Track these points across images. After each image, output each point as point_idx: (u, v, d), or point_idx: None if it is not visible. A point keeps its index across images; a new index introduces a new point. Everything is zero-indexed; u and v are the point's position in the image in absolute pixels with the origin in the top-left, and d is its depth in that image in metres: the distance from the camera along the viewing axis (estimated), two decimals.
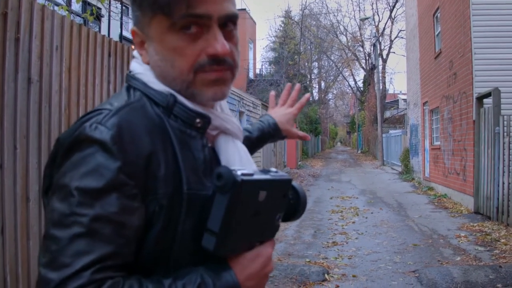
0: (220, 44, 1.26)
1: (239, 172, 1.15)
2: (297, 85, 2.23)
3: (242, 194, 1.16)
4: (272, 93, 2.34)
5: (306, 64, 48.03)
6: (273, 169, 1.30)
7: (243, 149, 1.45)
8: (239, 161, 1.38)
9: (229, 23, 1.31)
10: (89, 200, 1.09)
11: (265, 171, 1.27)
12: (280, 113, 2.17)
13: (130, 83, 1.35)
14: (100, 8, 12.30)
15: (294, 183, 1.44)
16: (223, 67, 1.30)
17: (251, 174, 1.18)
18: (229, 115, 1.45)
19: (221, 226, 1.16)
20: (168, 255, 1.22)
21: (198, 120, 1.30)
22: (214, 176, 1.17)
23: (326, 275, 7.11)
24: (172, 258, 1.23)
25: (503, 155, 10.92)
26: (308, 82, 47.96)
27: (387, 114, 47.65)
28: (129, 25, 24.02)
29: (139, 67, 1.36)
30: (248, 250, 1.27)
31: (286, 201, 1.37)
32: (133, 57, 1.41)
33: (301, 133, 2.22)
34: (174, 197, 1.20)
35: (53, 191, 1.15)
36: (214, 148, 1.39)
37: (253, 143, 2.08)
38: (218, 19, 1.26)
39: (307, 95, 2.30)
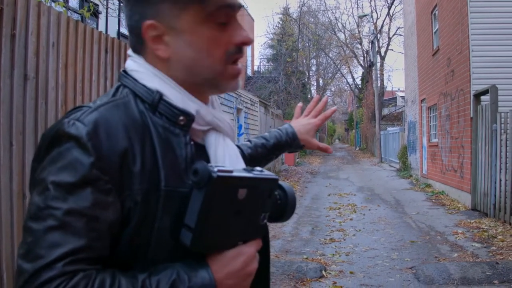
0: (246, 33, 1.34)
1: (215, 168, 1.15)
2: (325, 98, 2.25)
3: (218, 190, 1.16)
4: (300, 104, 2.34)
5: (304, 61, 48.07)
6: (258, 168, 1.29)
7: (233, 147, 1.47)
8: (228, 159, 1.40)
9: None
10: (63, 194, 1.12)
11: (248, 169, 1.27)
12: (301, 123, 2.16)
13: (121, 81, 1.37)
14: (97, 5, 12.28)
15: (283, 183, 1.45)
16: (242, 57, 1.39)
17: (230, 171, 1.18)
18: (220, 112, 1.48)
19: (197, 221, 1.16)
20: (145, 251, 1.23)
21: (181, 118, 1.31)
22: (191, 172, 1.18)
23: (323, 272, 7.12)
24: (150, 254, 1.23)
25: (500, 152, 10.93)
26: (306, 79, 47.96)
27: (385, 111, 47.69)
28: None
29: (133, 65, 1.37)
30: (229, 249, 1.27)
31: (272, 201, 1.36)
32: (129, 55, 1.41)
33: (322, 144, 2.20)
34: (150, 194, 1.21)
35: (33, 185, 1.19)
36: (202, 145, 1.41)
37: (269, 151, 2.10)
38: (238, 9, 1.37)
39: (333, 108, 2.27)
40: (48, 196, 1.12)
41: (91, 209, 1.12)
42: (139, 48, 1.37)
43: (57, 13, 5.08)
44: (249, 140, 2.11)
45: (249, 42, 1.34)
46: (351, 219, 11.94)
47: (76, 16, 13.25)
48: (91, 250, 1.12)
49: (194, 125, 1.35)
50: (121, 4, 17.22)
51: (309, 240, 9.45)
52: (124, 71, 1.39)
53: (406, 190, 18.29)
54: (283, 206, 1.44)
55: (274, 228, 10.52)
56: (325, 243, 9.18)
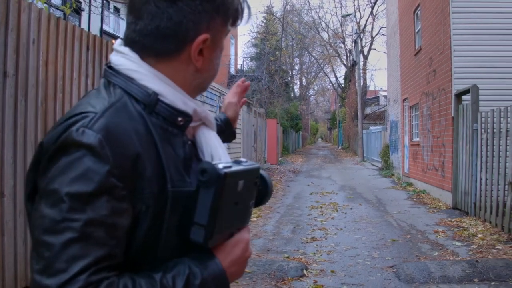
0: None
1: (220, 166, 1.21)
2: (247, 83, 2.36)
3: (225, 186, 1.22)
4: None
5: (288, 60, 48.10)
6: (243, 159, 1.36)
7: (219, 139, 1.52)
8: (222, 151, 1.46)
9: None
10: (80, 205, 1.10)
11: (238, 162, 1.33)
12: (226, 105, 2.32)
13: (109, 79, 1.34)
14: (80, 2, 12.21)
15: (260, 170, 1.52)
16: None
17: (230, 167, 1.25)
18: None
19: (209, 218, 1.22)
20: (154, 250, 1.25)
21: (180, 119, 1.34)
22: (198, 172, 1.23)
23: (304, 271, 7.12)
24: (158, 253, 1.26)
25: (481, 151, 11.01)
26: (289, 78, 48.02)
27: (368, 110, 47.89)
28: (110, 19, 23.87)
29: (128, 63, 1.33)
30: (228, 238, 1.34)
31: (256, 188, 1.45)
32: (119, 52, 1.37)
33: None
34: (159, 196, 1.23)
35: (41, 196, 1.15)
36: (194, 142, 1.44)
37: None
38: None
39: (247, 83, 2.40)
40: (63, 208, 1.09)
41: (109, 217, 1.12)
42: (170, 52, 1.34)
43: (38, 10, 5.04)
44: None
45: None
46: (332, 218, 11.96)
47: (58, 13, 13.16)
48: (112, 257, 1.13)
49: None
50: (104, 2, 17.12)
51: (290, 239, 9.45)
52: (110, 67, 1.36)
53: (388, 189, 18.39)
54: (263, 191, 1.55)
55: (255, 227, 10.52)
56: (307, 242, 9.18)
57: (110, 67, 1.35)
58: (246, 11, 1.44)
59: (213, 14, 1.32)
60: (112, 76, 1.33)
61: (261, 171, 1.53)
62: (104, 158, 1.13)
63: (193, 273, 1.21)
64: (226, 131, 2.23)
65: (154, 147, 1.25)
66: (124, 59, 1.34)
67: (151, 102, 1.30)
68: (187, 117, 1.35)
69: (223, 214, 1.26)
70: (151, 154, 1.23)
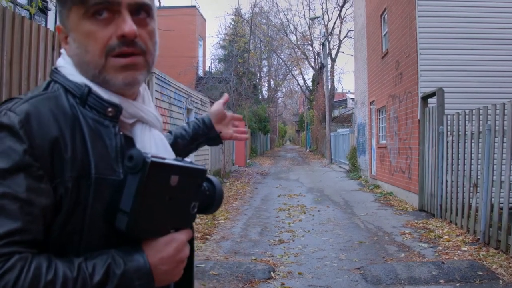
0: (127, 25, 1.34)
1: (149, 154, 1.23)
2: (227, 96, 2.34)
3: (152, 175, 1.23)
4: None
5: (256, 62, 48.17)
6: (188, 159, 1.39)
7: (160, 137, 1.54)
8: (155, 148, 1.47)
9: (141, 11, 1.40)
10: None
11: (178, 159, 1.36)
12: (214, 112, 2.24)
13: (52, 77, 1.42)
14: (46, 1, 12.06)
15: (211, 176, 1.56)
16: (134, 50, 1.38)
17: (163, 158, 1.27)
18: (149, 106, 1.54)
19: (133, 206, 1.23)
20: (79, 238, 1.27)
21: (110, 109, 1.38)
22: (126, 158, 1.25)
23: (272, 273, 7.11)
24: (83, 241, 1.27)
25: (447, 153, 11.14)
26: (257, 80, 48.05)
27: (336, 113, 48.19)
28: None
29: (62, 61, 1.44)
30: (163, 236, 1.34)
31: (201, 191, 1.47)
32: (60, 53, 1.48)
33: (235, 135, 2.27)
34: (81, 181, 1.26)
35: None
36: (131, 137, 1.47)
37: (188, 142, 2.19)
38: (128, 5, 1.36)
39: (240, 116, 2.36)
40: None
41: (25, 194, 1.16)
42: None
43: (2, 8, 4.96)
44: (169, 131, 2.18)
45: (129, 34, 1.34)
46: (300, 220, 11.97)
47: (24, 12, 12.97)
48: (26, 232, 1.15)
49: (121, 118, 1.42)
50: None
51: (258, 241, 9.44)
52: (56, 67, 1.44)
53: (355, 191, 18.48)
54: (211, 198, 1.55)
55: (223, 229, 10.49)
56: (274, 244, 9.18)
57: (56, 67, 1.45)
58: None
59: (59, 4, 1.40)
60: (54, 73, 1.43)
61: (214, 179, 1.56)
62: (22, 138, 1.19)
63: (116, 263, 1.23)
64: (210, 134, 2.20)
65: (81, 136, 1.30)
66: (60, 58, 1.47)
67: (83, 95, 1.36)
68: (117, 108, 1.39)
69: (151, 205, 1.27)
70: (75, 141, 1.28)
